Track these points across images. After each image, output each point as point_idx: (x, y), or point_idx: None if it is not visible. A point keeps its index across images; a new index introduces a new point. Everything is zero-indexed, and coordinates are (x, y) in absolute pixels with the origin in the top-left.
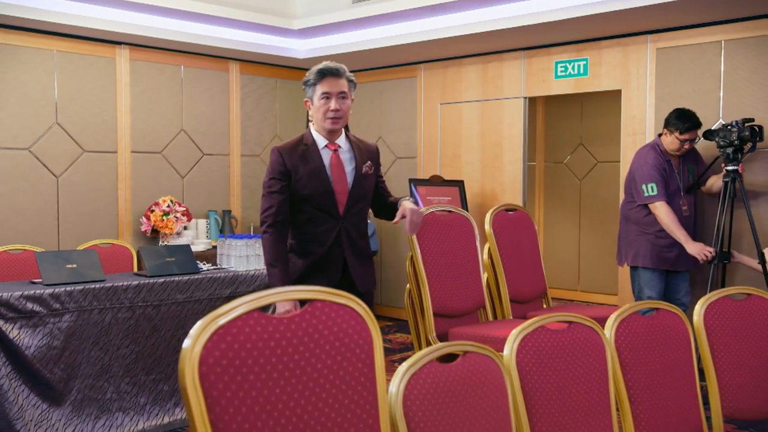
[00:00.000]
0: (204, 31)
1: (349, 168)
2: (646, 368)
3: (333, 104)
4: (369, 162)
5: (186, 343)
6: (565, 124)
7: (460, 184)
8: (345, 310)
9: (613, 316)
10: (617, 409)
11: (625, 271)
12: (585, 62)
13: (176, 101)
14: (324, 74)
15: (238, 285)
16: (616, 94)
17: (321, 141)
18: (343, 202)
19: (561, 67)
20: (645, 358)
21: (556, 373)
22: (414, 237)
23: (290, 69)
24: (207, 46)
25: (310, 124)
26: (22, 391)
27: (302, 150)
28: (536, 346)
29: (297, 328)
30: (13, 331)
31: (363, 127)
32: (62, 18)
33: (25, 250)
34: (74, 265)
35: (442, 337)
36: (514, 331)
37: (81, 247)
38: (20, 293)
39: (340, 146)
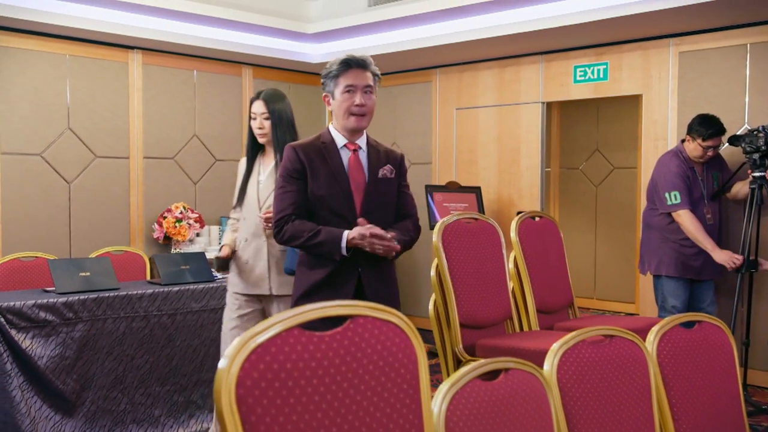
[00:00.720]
0: (217, 35)
1: (366, 171)
2: (689, 384)
3: (358, 98)
4: (389, 166)
5: (222, 363)
6: (581, 130)
7: (476, 190)
8: (388, 327)
9: (654, 329)
10: (660, 427)
11: (647, 280)
12: (605, 66)
13: (189, 106)
14: (349, 65)
15: None
16: (634, 99)
17: (340, 140)
18: (359, 205)
19: (580, 71)
20: (688, 373)
21: (598, 389)
22: (440, 245)
23: (304, 74)
24: (220, 50)
25: (263, 134)
26: (35, 402)
27: (320, 147)
28: (577, 361)
29: (339, 346)
30: (26, 341)
31: (377, 132)
32: (74, 22)
33: (37, 257)
34: (87, 273)
35: (469, 349)
36: (555, 346)
37: (93, 255)
38: (33, 302)
39: (360, 147)
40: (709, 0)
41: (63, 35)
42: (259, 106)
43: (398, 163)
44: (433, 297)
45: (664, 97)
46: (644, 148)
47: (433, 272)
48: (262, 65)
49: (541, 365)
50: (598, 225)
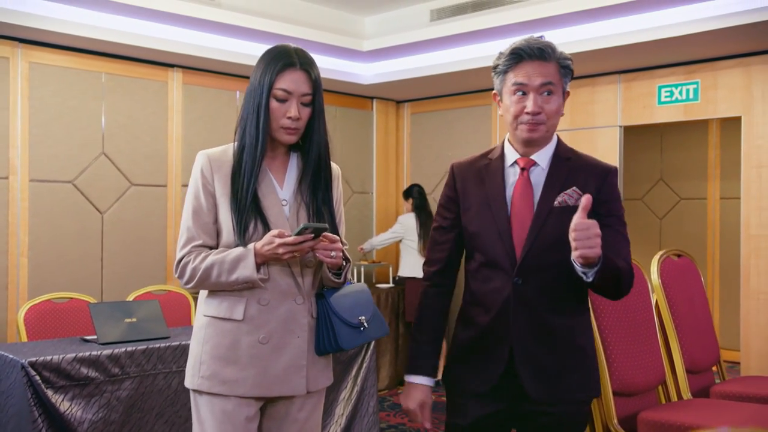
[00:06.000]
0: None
1: (538, 197)
2: None
3: (530, 103)
4: (574, 189)
5: None
6: (643, 157)
7: None
8: None
9: None
10: None
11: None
12: (695, 86)
13: (232, 130)
14: (520, 57)
15: None
16: (702, 125)
17: (511, 155)
18: (520, 247)
19: (665, 91)
20: None
21: None
22: None
23: (352, 96)
24: None
25: (297, 131)
26: None
27: (482, 166)
28: None
29: None
30: (64, 404)
31: (429, 160)
32: (112, 35)
33: (71, 298)
34: (134, 319)
35: (626, 424)
36: None
37: (133, 295)
38: (73, 355)
39: (536, 163)
40: None
41: (99, 51)
42: (298, 79)
43: (598, 182)
44: None
45: None
46: (744, 176)
47: None
48: None
49: None
50: None
